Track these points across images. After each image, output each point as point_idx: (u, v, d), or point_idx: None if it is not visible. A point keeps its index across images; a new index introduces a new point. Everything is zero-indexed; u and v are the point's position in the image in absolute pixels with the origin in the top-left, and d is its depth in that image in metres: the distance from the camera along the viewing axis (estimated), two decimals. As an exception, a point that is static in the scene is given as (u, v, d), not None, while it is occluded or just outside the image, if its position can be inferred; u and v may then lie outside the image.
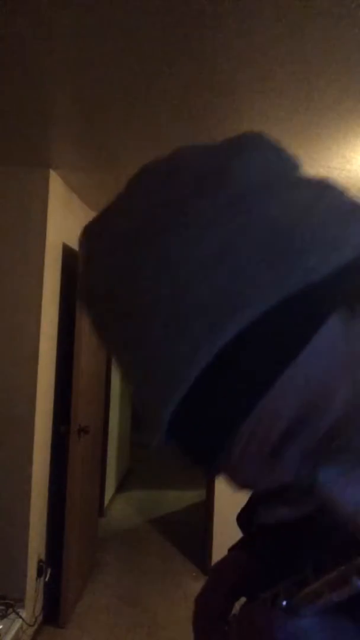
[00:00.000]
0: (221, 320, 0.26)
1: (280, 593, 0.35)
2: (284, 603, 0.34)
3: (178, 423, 0.29)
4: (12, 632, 2.24)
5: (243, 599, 0.45)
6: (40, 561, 2.65)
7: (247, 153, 0.31)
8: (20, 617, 2.33)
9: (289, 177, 0.31)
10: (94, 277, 0.33)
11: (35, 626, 2.59)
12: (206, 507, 3.39)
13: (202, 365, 0.27)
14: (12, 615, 2.30)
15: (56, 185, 2.72)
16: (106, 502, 4.36)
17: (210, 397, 0.28)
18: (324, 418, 0.28)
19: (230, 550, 0.54)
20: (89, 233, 0.36)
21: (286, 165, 0.32)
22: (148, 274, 0.28)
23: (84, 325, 2.82)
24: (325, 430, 0.29)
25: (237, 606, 0.43)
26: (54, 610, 2.73)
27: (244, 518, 0.57)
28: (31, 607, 2.54)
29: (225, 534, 3.30)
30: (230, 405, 0.28)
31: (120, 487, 4.98)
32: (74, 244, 2.94)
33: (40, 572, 2.63)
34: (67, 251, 2.91)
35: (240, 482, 0.32)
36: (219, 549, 3.31)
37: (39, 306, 2.56)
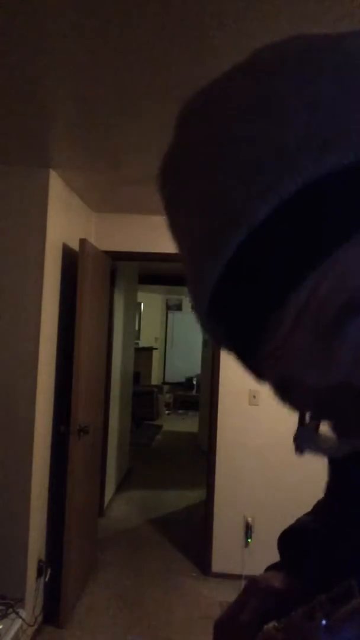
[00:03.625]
0: (297, 163, 0.23)
1: (318, 608, 0.33)
2: (324, 621, 0.32)
3: (224, 295, 0.27)
4: (12, 632, 2.24)
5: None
6: (40, 561, 2.65)
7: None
8: (20, 617, 2.33)
9: None
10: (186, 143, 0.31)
11: (35, 626, 2.59)
12: (206, 507, 3.39)
13: (268, 207, 0.23)
14: (12, 615, 2.30)
15: (56, 185, 2.72)
16: (106, 502, 4.36)
17: (266, 255, 0.24)
18: None
19: (267, 570, 0.52)
20: (188, 109, 0.32)
21: None
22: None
23: (84, 325, 2.82)
24: None
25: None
26: (54, 610, 2.73)
27: (286, 540, 0.55)
28: (31, 607, 2.54)
29: (225, 534, 3.31)
30: (288, 265, 0.24)
31: (120, 487, 4.98)
32: (74, 244, 2.94)
33: (40, 572, 2.63)
34: (67, 251, 2.91)
35: (286, 367, 0.27)
36: (219, 549, 3.31)
37: (39, 306, 2.56)
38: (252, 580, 0.45)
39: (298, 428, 0.33)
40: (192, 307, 0.31)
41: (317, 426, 0.32)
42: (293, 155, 0.23)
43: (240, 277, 0.26)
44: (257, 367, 0.30)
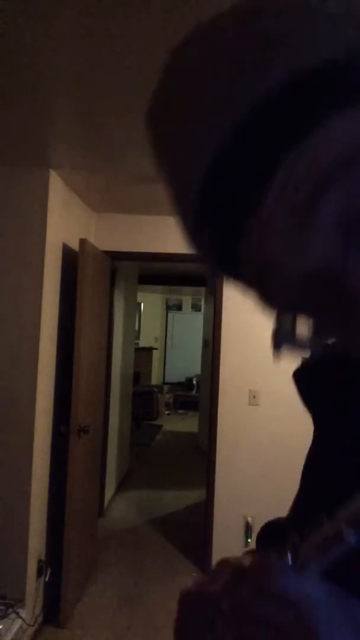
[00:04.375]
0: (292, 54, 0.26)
1: (288, 546, 0.33)
2: (289, 557, 0.33)
3: (208, 201, 0.29)
4: (12, 632, 2.24)
5: None
6: (40, 561, 2.65)
7: None
8: (20, 617, 2.33)
9: None
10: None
11: (35, 626, 2.59)
12: (206, 507, 3.39)
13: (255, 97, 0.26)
14: (12, 615, 2.30)
15: (56, 185, 2.72)
16: (106, 502, 4.36)
17: (248, 142, 0.27)
18: None
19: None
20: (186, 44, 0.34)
21: None
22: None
23: (84, 325, 2.82)
24: None
25: None
26: (54, 610, 2.73)
27: (262, 534, 0.55)
28: (31, 607, 2.54)
29: (225, 534, 3.31)
30: (271, 144, 0.26)
31: (120, 487, 4.98)
32: (74, 244, 2.94)
33: (40, 572, 2.63)
34: (67, 251, 2.91)
35: (267, 253, 0.29)
36: (219, 549, 3.31)
37: (39, 306, 2.56)
38: (223, 559, 0.44)
39: (276, 325, 0.34)
40: (180, 222, 0.33)
41: (294, 325, 0.33)
42: (273, 57, 0.26)
43: (222, 173, 0.28)
44: (238, 269, 0.32)
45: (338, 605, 0.31)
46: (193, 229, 0.32)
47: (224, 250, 0.32)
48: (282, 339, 0.34)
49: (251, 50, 0.27)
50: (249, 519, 3.24)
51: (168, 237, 3.53)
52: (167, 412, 9.30)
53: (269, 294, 0.32)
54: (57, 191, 2.74)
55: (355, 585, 0.32)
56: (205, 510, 3.42)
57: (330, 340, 0.34)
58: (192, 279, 6.61)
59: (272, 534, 0.55)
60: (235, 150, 0.27)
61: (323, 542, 0.31)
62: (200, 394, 7.12)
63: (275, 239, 0.28)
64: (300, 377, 0.49)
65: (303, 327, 0.33)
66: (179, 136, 0.31)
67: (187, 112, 0.30)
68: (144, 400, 7.95)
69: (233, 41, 0.29)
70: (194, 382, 9.73)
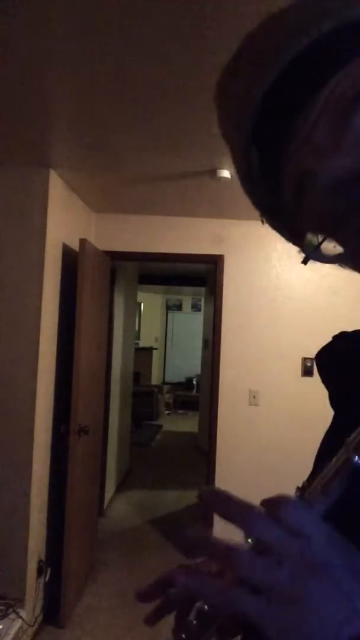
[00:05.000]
0: None
1: (298, 489, 0.36)
2: (298, 494, 0.35)
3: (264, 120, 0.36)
4: (12, 632, 2.24)
5: None
6: (40, 561, 2.65)
7: None
8: (20, 617, 2.33)
9: None
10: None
11: (35, 626, 2.59)
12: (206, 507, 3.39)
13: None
14: (12, 615, 2.30)
15: (56, 185, 2.72)
16: (106, 502, 4.36)
17: (304, 67, 0.34)
18: None
19: None
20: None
21: None
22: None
23: (84, 325, 2.82)
24: None
25: None
26: (54, 610, 2.73)
27: None
28: (31, 607, 2.54)
29: (225, 534, 3.30)
30: (318, 70, 0.34)
31: (120, 487, 4.98)
32: (74, 244, 2.94)
33: (40, 572, 2.63)
34: (67, 251, 2.91)
35: (308, 160, 0.35)
36: (219, 549, 3.30)
37: (39, 306, 2.56)
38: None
39: (305, 240, 0.39)
40: (234, 142, 0.40)
41: (321, 243, 0.39)
42: (331, 8, 0.35)
43: (275, 97, 0.35)
44: (279, 186, 0.38)
45: (336, 543, 0.32)
46: (245, 146, 0.38)
47: (269, 167, 0.38)
48: (309, 249, 0.39)
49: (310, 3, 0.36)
50: (249, 519, 3.24)
51: (168, 237, 3.53)
52: (167, 412, 9.30)
53: (305, 205, 0.37)
54: (57, 191, 2.74)
55: (351, 532, 0.33)
56: (205, 510, 3.42)
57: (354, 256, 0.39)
58: (192, 279, 6.61)
59: None
60: (290, 76, 0.34)
61: (327, 480, 0.33)
62: (200, 394, 7.12)
63: (315, 146, 0.34)
64: (323, 358, 0.52)
65: (329, 245, 0.38)
66: (244, 71, 0.38)
67: (253, 52, 0.38)
68: (144, 400, 7.95)
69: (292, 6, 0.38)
70: (194, 382, 9.73)
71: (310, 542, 0.31)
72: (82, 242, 2.85)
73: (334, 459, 0.34)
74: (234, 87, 0.39)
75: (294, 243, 0.42)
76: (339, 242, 0.38)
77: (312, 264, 0.39)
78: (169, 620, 0.47)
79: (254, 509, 0.35)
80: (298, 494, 0.36)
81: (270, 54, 0.35)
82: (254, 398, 3.34)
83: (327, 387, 0.51)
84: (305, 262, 0.39)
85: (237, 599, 0.32)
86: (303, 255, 0.39)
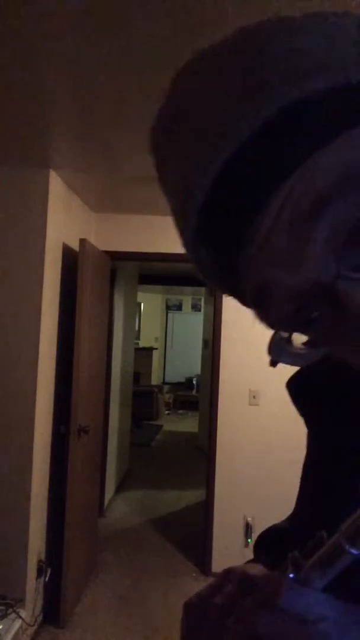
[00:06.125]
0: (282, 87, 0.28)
1: (290, 563, 0.34)
2: (292, 575, 0.34)
3: (208, 219, 0.31)
4: (12, 632, 2.24)
5: None
6: (40, 561, 2.65)
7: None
8: (20, 617, 2.33)
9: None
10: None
11: (35, 626, 2.59)
12: (206, 507, 3.39)
13: (247, 129, 0.28)
14: (12, 615, 2.30)
15: (56, 185, 2.72)
16: (106, 502, 4.36)
17: (248, 167, 0.29)
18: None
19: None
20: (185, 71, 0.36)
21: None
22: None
23: (84, 325, 2.82)
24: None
25: None
26: (54, 610, 2.73)
27: (261, 541, 0.55)
28: (31, 607, 2.54)
29: (225, 534, 3.31)
30: (269, 170, 0.29)
31: (120, 487, 4.98)
32: (74, 244, 2.94)
33: (40, 572, 2.63)
34: (67, 251, 2.91)
35: (265, 272, 0.31)
36: (219, 549, 3.31)
37: (39, 306, 2.56)
38: (228, 569, 0.45)
39: (272, 338, 0.36)
40: (181, 236, 0.36)
41: (290, 338, 0.35)
42: (273, 85, 0.28)
43: (222, 196, 0.30)
44: (237, 285, 0.34)
45: (346, 615, 0.31)
46: (192, 246, 0.35)
47: (221, 269, 0.34)
48: (278, 352, 0.36)
49: (246, 79, 0.30)
50: (249, 519, 3.24)
51: (168, 237, 3.53)
52: (167, 412, 9.30)
53: (266, 311, 0.34)
54: (57, 191, 2.74)
55: (358, 595, 0.32)
56: (205, 510, 3.42)
57: (324, 351, 0.35)
58: (192, 279, 6.60)
59: (270, 541, 0.55)
60: (236, 172, 0.29)
61: (325, 559, 0.32)
62: (200, 394, 7.12)
63: (273, 257, 0.30)
64: (293, 386, 0.50)
65: (298, 341, 0.35)
66: (181, 155, 0.33)
67: (190, 132, 0.32)
68: (144, 400, 7.95)
69: (228, 70, 0.31)
70: (194, 382, 9.73)
71: (314, 623, 0.31)
72: (82, 242, 2.85)
73: (328, 543, 0.32)
74: (170, 172, 0.35)
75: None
76: (309, 335, 0.35)
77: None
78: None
79: (248, 609, 0.33)
80: (292, 569, 0.34)
81: (213, 140, 0.30)
82: (254, 398, 3.34)
83: (302, 414, 0.50)
84: (273, 364, 0.36)
85: None
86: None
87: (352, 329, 0.30)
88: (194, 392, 9.63)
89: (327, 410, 0.44)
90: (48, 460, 2.74)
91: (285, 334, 0.35)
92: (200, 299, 9.91)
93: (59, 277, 2.83)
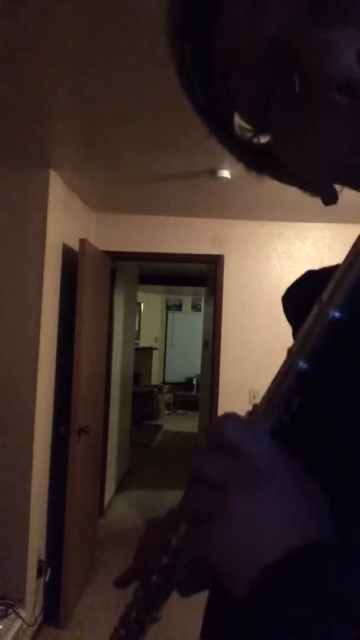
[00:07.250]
0: None
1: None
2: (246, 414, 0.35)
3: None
4: (12, 632, 2.24)
5: None
6: (40, 561, 2.65)
7: None
8: (20, 617, 2.33)
9: None
10: None
11: (35, 626, 2.59)
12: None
13: None
14: (12, 615, 2.30)
15: (56, 185, 2.72)
16: (106, 502, 4.36)
17: None
18: None
19: None
20: None
21: None
22: None
23: (84, 326, 2.82)
24: None
25: None
26: (54, 610, 2.73)
27: None
28: (31, 607, 2.54)
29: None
30: None
31: (120, 487, 4.98)
32: (74, 244, 2.94)
33: (40, 572, 2.63)
34: (67, 251, 2.91)
35: (232, 38, 0.35)
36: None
37: (39, 306, 2.56)
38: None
39: (234, 133, 0.41)
40: (171, 40, 0.42)
41: (252, 137, 0.40)
42: None
43: None
44: (217, 95, 0.39)
45: (283, 460, 0.31)
46: (178, 43, 0.40)
47: (200, 68, 0.39)
48: (241, 148, 0.41)
49: None
50: (249, 519, 3.24)
51: (168, 237, 3.53)
52: (167, 412, 9.30)
53: (235, 97, 0.38)
54: (57, 191, 2.74)
55: (297, 449, 0.32)
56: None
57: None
58: (192, 279, 6.61)
59: None
60: None
61: (271, 399, 0.33)
62: (200, 394, 7.12)
63: (237, 14, 0.34)
64: (287, 299, 0.54)
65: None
66: None
67: None
68: (144, 400, 7.95)
69: None
70: (194, 382, 9.73)
71: (248, 461, 0.31)
72: (82, 242, 2.85)
73: (280, 375, 0.34)
74: None
75: (239, 157, 0.43)
76: (269, 136, 0.38)
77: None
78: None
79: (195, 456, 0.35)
80: (247, 414, 0.35)
81: None
82: (254, 398, 3.34)
83: (292, 325, 0.50)
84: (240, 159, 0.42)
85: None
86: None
87: (311, 113, 0.32)
88: (194, 392, 9.62)
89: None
90: (48, 461, 2.74)
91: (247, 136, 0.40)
92: (200, 299, 9.91)
93: (59, 277, 2.83)
